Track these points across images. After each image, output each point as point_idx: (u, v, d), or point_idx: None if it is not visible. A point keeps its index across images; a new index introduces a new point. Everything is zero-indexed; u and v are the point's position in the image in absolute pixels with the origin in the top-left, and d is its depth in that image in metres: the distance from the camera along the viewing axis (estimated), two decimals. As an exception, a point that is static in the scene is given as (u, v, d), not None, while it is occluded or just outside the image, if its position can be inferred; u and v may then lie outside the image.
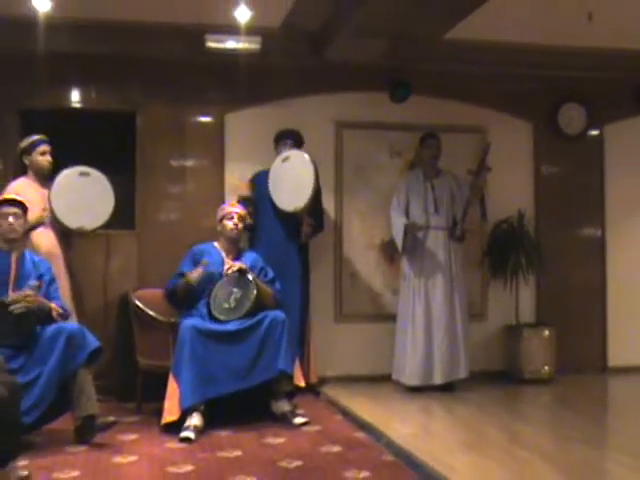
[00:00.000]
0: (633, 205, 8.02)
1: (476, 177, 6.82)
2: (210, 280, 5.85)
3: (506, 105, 7.73)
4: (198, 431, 5.17)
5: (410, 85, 7.37)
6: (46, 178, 6.02)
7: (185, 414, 5.26)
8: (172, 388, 5.39)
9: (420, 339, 6.72)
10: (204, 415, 5.31)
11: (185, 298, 5.95)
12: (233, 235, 6.05)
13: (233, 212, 6.09)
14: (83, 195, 5.95)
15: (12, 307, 4.81)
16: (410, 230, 6.75)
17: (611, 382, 7.51)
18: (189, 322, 5.54)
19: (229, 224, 6.03)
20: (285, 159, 6.60)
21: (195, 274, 5.81)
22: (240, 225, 6.07)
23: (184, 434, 5.10)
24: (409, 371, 6.73)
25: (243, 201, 6.61)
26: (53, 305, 5.04)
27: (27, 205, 5.25)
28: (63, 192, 5.91)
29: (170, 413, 5.31)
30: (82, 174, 6.02)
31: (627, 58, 7.53)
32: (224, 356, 5.50)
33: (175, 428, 5.20)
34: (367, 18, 6.10)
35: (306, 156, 6.53)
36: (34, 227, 5.75)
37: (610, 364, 7.78)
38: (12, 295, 4.88)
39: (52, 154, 6.04)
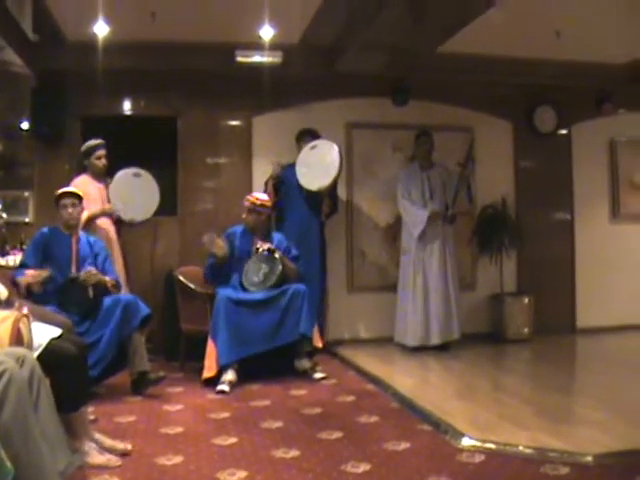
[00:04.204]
0: (595, 192, 7.98)
1: (463, 168, 6.80)
2: (240, 258, 5.86)
3: (490, 108, 7.69)
4: (232, 385, 5.20)
5: (409, 91, 7.35)
6: (102, 176, 6.03)
7: (221, 371, 5.30)
8: (210, 349, 5.43)
9: (419, 306, 6.70)
10: (237, 371, 5.34)
11: (221, 274, 5.90)
12: (251, 224, 5.99)
13: (249, 204, 5.97)
14: (135, 192, 5.96)
15: (85, 283, 4.89)
16: (434, 219, 6.70)
17: (579, 341, 7.49)
18: (224, 293, 5.57)
19: (244, 215, 6.00)
20: (313, 147, 6.57)
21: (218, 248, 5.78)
22: (254, 214, 5.94)
23: (220, 387, 5.15)
24: (410, 333, 6.70)
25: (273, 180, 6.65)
26: (107, 279, 5.06)
27: (82, 196, 5.23)
28: (119, 189, 5.95)
29: (209, 370, 5.36)
30: (135, 175, 6.04)
31: (589, 69, 7.49)
32: (253, 321, 5.50)
33: (213, 383, 5.24)
34: (371, 35, 6.07)
35: (334, 145, 6.51)
36: (98, 216, 5.84)
37: (578, 325, 7.78)
38: (83, 273, 4.93)
39: (107, 156, 6.02)
